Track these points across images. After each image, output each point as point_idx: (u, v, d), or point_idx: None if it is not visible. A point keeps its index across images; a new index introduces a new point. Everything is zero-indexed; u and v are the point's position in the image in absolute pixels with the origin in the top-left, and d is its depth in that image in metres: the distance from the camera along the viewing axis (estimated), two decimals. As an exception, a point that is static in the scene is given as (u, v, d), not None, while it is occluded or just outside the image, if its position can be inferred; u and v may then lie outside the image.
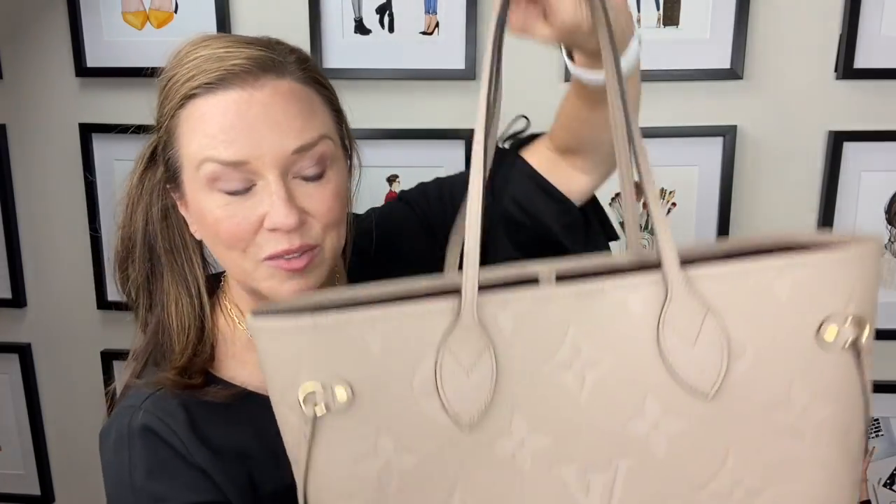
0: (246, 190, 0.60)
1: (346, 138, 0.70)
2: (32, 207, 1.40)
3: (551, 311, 0.49)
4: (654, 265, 0.50)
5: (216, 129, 0.59)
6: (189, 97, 0.60)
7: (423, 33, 1.25)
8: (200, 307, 0.67)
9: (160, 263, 0.68)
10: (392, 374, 0.48)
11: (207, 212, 0.61)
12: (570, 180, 0.75)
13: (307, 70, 0.64)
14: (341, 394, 0.47)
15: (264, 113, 0.59)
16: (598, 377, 0.49)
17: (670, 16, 1.23)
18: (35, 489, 1.51)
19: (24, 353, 1.45)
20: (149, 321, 0.69)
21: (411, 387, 0.48)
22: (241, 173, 0.59)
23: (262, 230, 0.61)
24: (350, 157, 0.71)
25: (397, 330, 0.48)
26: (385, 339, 0.48)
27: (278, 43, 0.65)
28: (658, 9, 1.23)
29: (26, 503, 1.52)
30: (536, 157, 0.77)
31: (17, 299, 1.42)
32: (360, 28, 1.26)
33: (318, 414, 0.47)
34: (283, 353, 0.48)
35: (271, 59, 0.61)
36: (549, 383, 0.49)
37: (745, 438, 0.50)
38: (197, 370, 0.65)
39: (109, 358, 1.43)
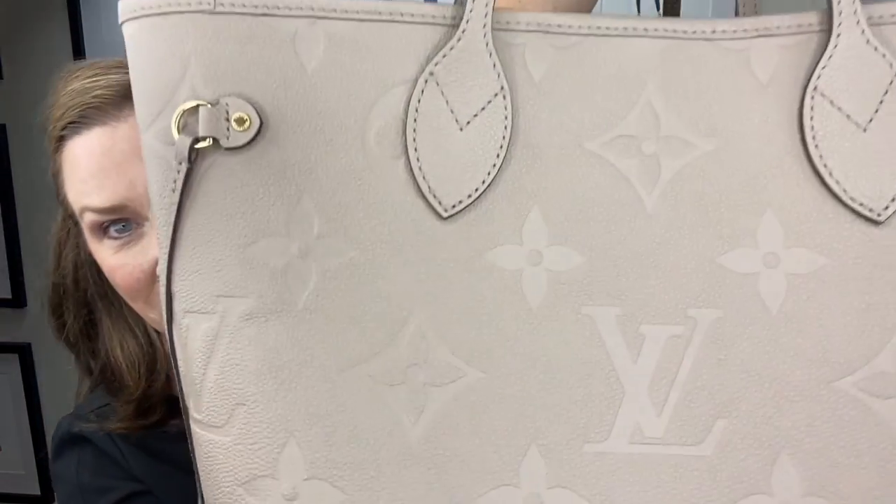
0: (133, 234, 0.53)
1: None
2: (32, 207, 1.40)
3: (621, 55, 0.30)
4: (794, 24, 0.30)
5: (86, 175, 0.52)
6: (60, 139, 0.54)
7: (423, 33, 1.25)
8: (149, 343, 0.61)
9: (97, 309, 0.62)
10: (333, 106, 0.29)
11: (101, 261, 0.55)
12: None
13: None
14: (241, 119, 0.29)
15: (130, 147, 0.51)
16: (682, 171, 0.30)
17: (670, 16, 1.23)
18: (35, 489, 1.51)
19: (24, 353, 1.45)
20: (93, 367, 0.64)
21: (362, 132, 0.29)
22: (122, 217, 0.52)
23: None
24: None
25: (354, 34, 0.29)
26: (330, 49, 0.29)
27: None
28: (658, 9, 1.23)
29: (26, 503, 1.52)
30: None
31: (17, 299, 1.42)
32: (360, 28, 1.26)
33: (200, 145, 0.29)
34: (161, 48, 0.29)
35: None
36: (596, 169, 0.30)
37: None
38: (156, 400, 0.60)
39: (109, 358, 1.43)
